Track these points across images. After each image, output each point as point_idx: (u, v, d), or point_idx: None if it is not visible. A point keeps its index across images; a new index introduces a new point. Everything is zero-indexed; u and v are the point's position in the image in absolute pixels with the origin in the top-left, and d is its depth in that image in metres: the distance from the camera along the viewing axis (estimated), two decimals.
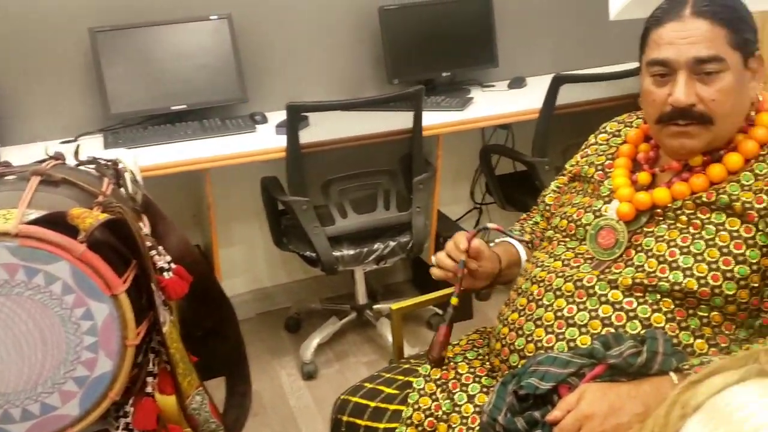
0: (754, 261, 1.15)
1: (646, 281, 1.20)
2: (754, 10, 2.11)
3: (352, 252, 2.47)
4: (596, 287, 1.23)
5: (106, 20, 2.60)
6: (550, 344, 1.23)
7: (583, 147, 1.53)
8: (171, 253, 1.58)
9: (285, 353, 2.81)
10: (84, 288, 1.29)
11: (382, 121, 2.43)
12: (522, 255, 1.48)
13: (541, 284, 1.31)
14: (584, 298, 1.24)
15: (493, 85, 3.14)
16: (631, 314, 1.19)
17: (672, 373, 1.10)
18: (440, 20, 3.01)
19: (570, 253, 1.33)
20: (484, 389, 1.33)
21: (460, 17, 3.04)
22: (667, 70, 1.21)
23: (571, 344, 1.21)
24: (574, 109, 2.61)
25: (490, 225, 1.40)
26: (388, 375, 1.44)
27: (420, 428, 1.32)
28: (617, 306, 1.21)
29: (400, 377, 1.42)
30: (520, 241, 1.52)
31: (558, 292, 1.27)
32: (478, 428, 1.26)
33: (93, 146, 2.46)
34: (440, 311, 2.74)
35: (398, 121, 2.44)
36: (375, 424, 1.37)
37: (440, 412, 1.32)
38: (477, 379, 1.35)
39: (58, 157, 1.61)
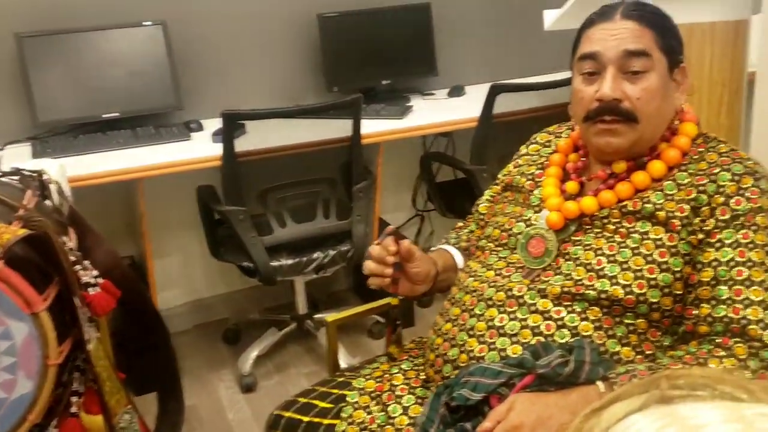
0: (677, 269, 1.18)
1: (573, 290, 1.21)
2: (680, 22, 2.17)
3: (291, 262, 2.44)
4: (526, 297, 1.24)
5: (34, 25, 2.52)
6: (482, 354, 1.23)
7: (515, 157, 1.54)
8: (98, 266, 1.53)
9: (223, 365, 2.77)
10: (1, 307, 1.24)
11: (321, 129, 2.42)
12: (458, 260, 1.49)
13: (474, 294, 1.31)
14: (515, 308, 1.24)
15: (433, 93, 3.16)
16: (560, 323, 1.20)
17: (599, 382, 1.11)
18: (379, 29, 3.01)
19: (502, 263, 1.34)
20: (419, 400, 1.32)
21: (399, 26, 3.05)
22: (596, 66, 1.24)
23: (503, 354, 1.22)
24: (512, 117, 2.64)
25: (387, 230, 1.38)
26: (322, 389, 1.42)
27: None
28: (546, 315, 1.22)
29: (335, 391, 1.40)
30: (456, 246, 1.52)
31: (490, 302, 1.27)
32: None
33: (21, 155, 2.38)
34: (381, 319, 2.73)
35: (338, 129, 2.43)
36: None
37: (374, 425, 1.30)
38: (411, 390, 1.35)
39: None
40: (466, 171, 2.72)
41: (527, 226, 1.34)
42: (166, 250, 2.95)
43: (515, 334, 1.22)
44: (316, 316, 2.82)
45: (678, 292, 1.18)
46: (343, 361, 2.57)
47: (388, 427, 1.29)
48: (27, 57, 2.48)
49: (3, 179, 1.60)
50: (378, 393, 1.35)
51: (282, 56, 2.97)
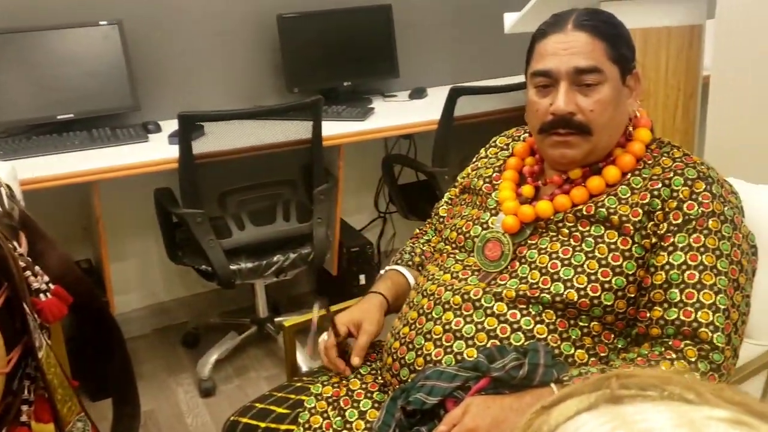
0: (631, 272, 1.19)
1: (529, 293, 1.22)
2: (637, 26, 2.20)
3: (250, 265, 2.42)
4: (482, 300, 1.25)
5: None
6: (439, 358, 1.24)
7: (474, 160, 1.55)
8: (51, 272, 1.49)
9: (182, 370, 2.73)
10: None
11: (281, 131, 2.40)
12: (410, 281, 1.49)
13: (431, 298, 1.31)
14: (471, 311, 1.25)
15: (394, 95, 3.16)
16: (515, 326, 1.21)
17: (553, 385, 1.12)
18: (340, 30, 3.00)
19: (459, 266, 1.34)
20: (376, 405, 1.32)
21: (360, 27, 3.04)
22: (550, 80, 1.25)
23: (459, 357, 1.22)
24: (473, 120, 2.65)
25: (315, 314, 1.42)
26: (279, 394, 1.41)
27: None
28: (502, 318, 1.22)
29: (292, 396, 1.39)
30: (409, 264, 1.53)
31: (446, 306, 1.27)
32: None
33: None
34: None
35: (298, 130, 2.41)
36: None
37: (331, 431, 1.30)
38: (369, 394, 1.34)
39: None
40: (428, 173, 2.73)
41: (484, 229, 1.35)
42: (123, 254, 2.90)
43: (471, 338, 1.23)
44: (277, 319, 2.80)
45: (631, 295, 1.20)
46: (304, 365, 2.56)
47: None
48: None
49: None
50: (335, 398, 1.34)
51: (242, 56, 2.94)
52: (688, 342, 1.13)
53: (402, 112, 2.89)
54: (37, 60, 2.50)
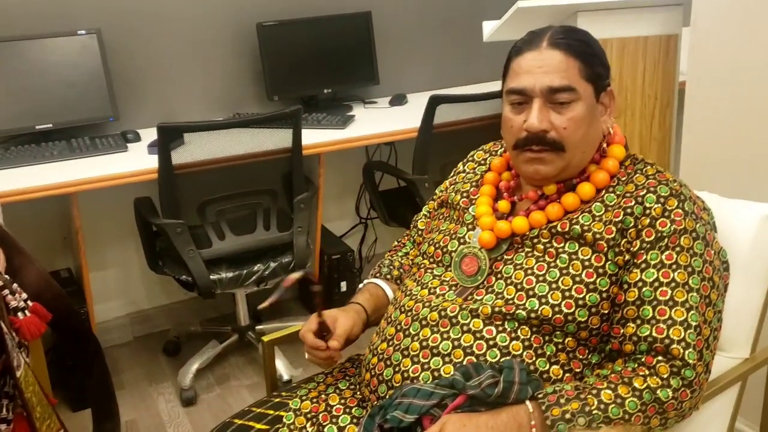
0: (604, 289, 1.21)
1: (504, 309, 1.23)
2: (610, 37, 2.23)
3: (231, 274, 2.42)
4: (459, 317, 1.26)
5: None
6: (417, 374, 1.25)
7: (452, 174, 1.56)
8: (29, 288, 1.49)
9: (163, 378, 2.72)
10: None
11: (261, 140, 2.40)
12: (389, 294, 1.50)
13: (409, 314, 1.32)
14: (448, 328, 1.26)
15: (374, 102, 3.17)
16: (491, 342, 1.22)
17: (528, 402, 1.14)
18: (320, 37, 3.01)
19: (436, 281, 1.36)
20: (354, 420, 1.32)
21: (339, 34, 3.05)
22: (524, 98, 1.27)
23: (436, 374, 1.23)
24: (452, 127, 2.67)
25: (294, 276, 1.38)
26: (258, 410, 1.41)
27: None
28: (478, 335, 1.23)
29: (270, 412, 1.39)
30: (388, 277, 1.53)
31: (423, 322, 1.29)
32: None
33: None
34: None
35: (278, 139, 2.41)
36: None
37: None
38: (348, 410, 1.35)
39: None
40: (408, 180, 2.74)
41: (461, 243, 1.36)
42: (104, 262, 2.89)
43: (448, 354, 1.24)
44: (258, 327, 2.80)
45: (605, 312, 1.21)
46: (285, 373, 2.57)
47: None
48: None
49: None
50: (314, 414, 1.35)
51: (221, 65, 2.94)
52: (660, 358, 1.15)
53: (382, 120, 2.90)
54: (15, 70, 2.49)
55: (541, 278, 1.24)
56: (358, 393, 1.39)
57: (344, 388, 1.42)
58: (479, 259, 1.32)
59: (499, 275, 1.29)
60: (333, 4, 3.04)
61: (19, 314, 1.41)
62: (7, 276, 1.45)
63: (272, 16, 2.90)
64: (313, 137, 2.60)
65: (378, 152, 3.24)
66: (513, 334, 1.22)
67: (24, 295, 1.45)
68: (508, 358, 1.21)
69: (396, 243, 1.64)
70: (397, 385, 1.26)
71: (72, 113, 2.57)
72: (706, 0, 1.94)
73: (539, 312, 1.21)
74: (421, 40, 3.31)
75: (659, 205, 1.21)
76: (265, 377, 1.60)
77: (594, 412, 1.10)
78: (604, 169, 1.30)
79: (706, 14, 1.94)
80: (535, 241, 1.28)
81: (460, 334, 1.25)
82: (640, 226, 1.21)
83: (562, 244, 1.25)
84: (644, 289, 1.18)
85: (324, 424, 1.33)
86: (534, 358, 1.21)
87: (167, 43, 2.81)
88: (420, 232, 1.59)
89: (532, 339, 1.22)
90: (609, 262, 1.22)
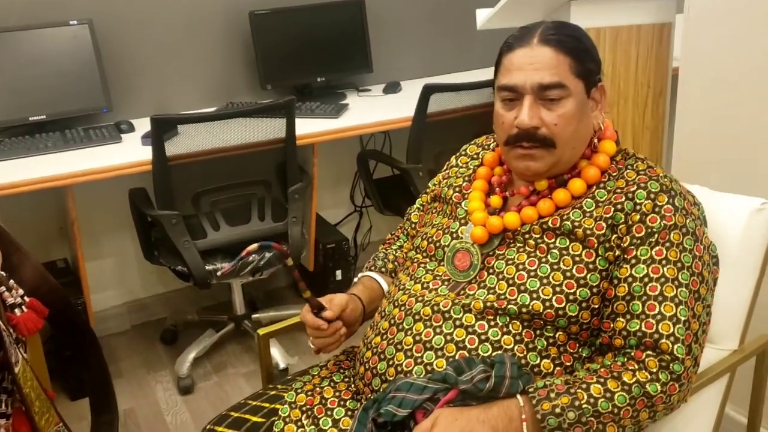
0: (595, 284, 1.23)
1: (496, 304, 1.25)
2: (603, 25, 2.23)
3: (226, 265, 2.42)
4: (452, 311, 1.27)
5: None
6: (410, 368, 1.26)
7: (444, 168, 1.57)
8: (26, 284, 1.50)
9: (161, 367, 2.75)
10: None
11: (255, 130, 2.40)
12: (384, 287, 1.52)
13: (402, 308, 1.34)
14: (441, 322, 1.28)
15: (368, 89, 3.16)
16: (483, 337, 1.24)
17: (519, 396, 1.16)
18: (313, 25, 3.00)
19: (429, 276, 1.37)
20: (349, 413, 1.34)
21: (332, 22, 3.04)
22: (515, 95, 1.28)
23: (429, 368, 1.25)
24: (446, 116, 2.67)
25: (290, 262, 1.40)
26: (254, 403, 1.43)
27: None
28: (470, 329, 1.25)
29: (266, 405, 1.41)
30: (382, 270, 1.55)
31: (417, 316, 1.30)
32: None
33: None
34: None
35: (272, 128, 2.42)
36: None
37: None
38: (342, 402, 1.37)
39: None
40: (402, 169, 2.74)
41: (454, 238, 1.37)
42: (101, 252, 2.90)
43: (441, 348, 1.26)
44: (254, 315, 2.81)
45: (595, 306, 1.23)
46: (281, 361, 2.59)
47: None
48: None
49: None
50: (309, 407, 1.37)
51: (214, 54, 2.93)
52: (649, 353, 1.16)
53: (376, 108, 2.90)
54: (7, 61, 2.48)
55: (532, 273, 1.25)
56: (353, 386, 1.41)
57: (339, 380, 1.44)
58: (471, 255, 1.33)
59: (491, 270, 1.30)
60: None
61: (16, 311, 1.42)
62: (3, 273, 1.46)
63: (265, 5, 2.89)
64: (307, 127, 2.60)
65: (372, 140, 3.24)
66: (505, 329, 1.24)
67: (21, 291, 1.46)
68: (499, 352, 1.23)
69: (390, 235, 1.66)
70: (391, 378, 1.28)
71: (65, 104, 2.57)
72: None
73: (530, 307, 1.23)
74: (415, 28, 3.30)
75: (649, 201, 1.23)
76: (261, 370, 1.62)
77: (584, 406, 1.12)
78: (594, 164, 1.32)
79: (700, 1, 1.94)
80: (527, 236, 1.30)
81: (452, 329, 1.26)
82: (630, 222, 1.22)
83: (553, 240, 1.27)
84: (634, 284, 1.20)
85: (319, 416, 1.34)
86: (525, 352, 1.23)
87: (159, 32, 2.80)
88: (413, 225, 1.60)
89: (523, 333, 1.24)
90: (599, 258, 1.23)
